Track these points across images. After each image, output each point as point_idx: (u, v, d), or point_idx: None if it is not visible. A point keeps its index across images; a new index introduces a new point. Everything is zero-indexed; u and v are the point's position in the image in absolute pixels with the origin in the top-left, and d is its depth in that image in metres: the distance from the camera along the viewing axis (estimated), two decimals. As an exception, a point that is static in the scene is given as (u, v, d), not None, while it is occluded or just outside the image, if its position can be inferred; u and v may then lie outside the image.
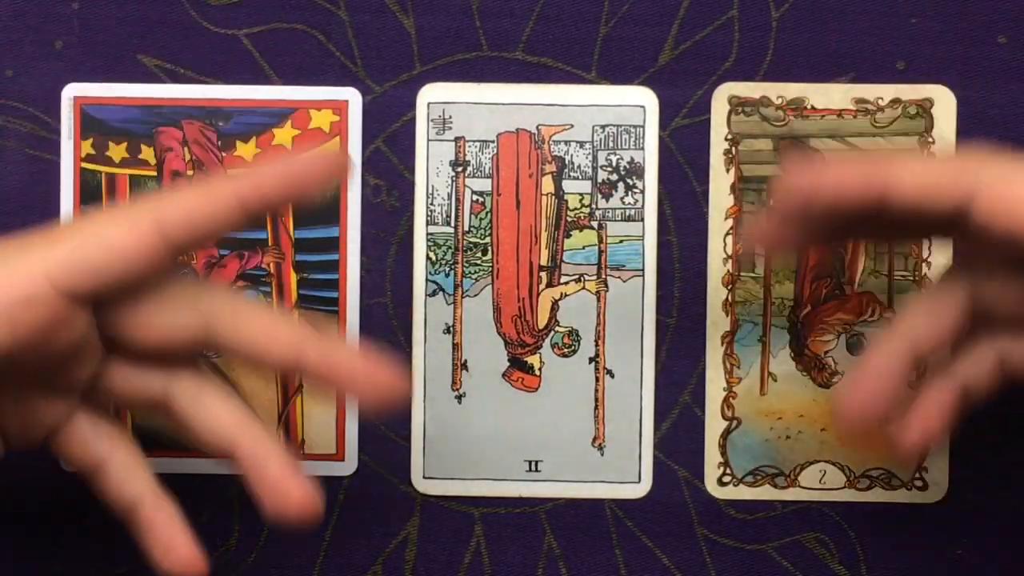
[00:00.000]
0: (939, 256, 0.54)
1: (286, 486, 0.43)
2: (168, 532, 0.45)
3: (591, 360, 0.54)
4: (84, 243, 0.41)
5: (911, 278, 0.54)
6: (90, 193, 0.54)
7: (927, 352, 0.45)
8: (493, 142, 0.54)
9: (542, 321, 0.54)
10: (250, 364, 0.44)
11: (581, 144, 0.54)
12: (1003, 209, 0.41)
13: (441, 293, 0.54)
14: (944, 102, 0.54)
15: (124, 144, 0.54)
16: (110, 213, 0.43)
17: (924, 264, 0.54)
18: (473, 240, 0.54)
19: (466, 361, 0.54)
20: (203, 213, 0.42)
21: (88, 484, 0.45)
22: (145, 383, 0.44)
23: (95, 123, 0.54)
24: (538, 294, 0.54)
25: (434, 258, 0.54)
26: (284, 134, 0.54)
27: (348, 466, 0.55)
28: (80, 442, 0.45)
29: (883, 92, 0.54)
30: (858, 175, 0.42)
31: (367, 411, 0.53)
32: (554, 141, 0.54)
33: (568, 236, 0.54)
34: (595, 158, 0.54)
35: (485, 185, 0.54)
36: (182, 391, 0.44)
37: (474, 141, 0.54)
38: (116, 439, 0.45)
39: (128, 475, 0.45)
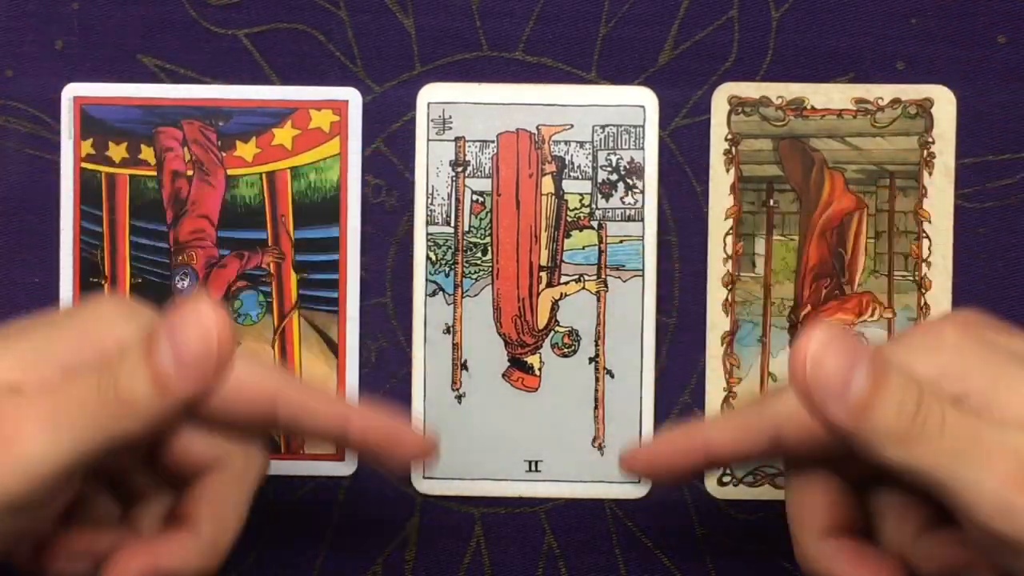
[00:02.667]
0: (938, 256, 0.54)
1: (402, 439, 0.44)
2: (384, 431, 0.44)
3: (591, 360, 0.54)
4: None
5: (911, 278, 0.54)
6: (90, 193, 0.54)
7: (720, 460, 0.45)
8: (493, 142, 0.54)
9: (542, 321, 0.54)
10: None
11: (581, 144, 0.54)
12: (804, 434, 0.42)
13: (441, 293, 0.54)
14: (944, 102, 0.54)
15: (124, 144, 0.54)
16: None
17: (924, 264, 0.54)
18: (473, 240, 0.54)
19: (466, 361, 0.54)
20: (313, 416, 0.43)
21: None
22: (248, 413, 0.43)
23: (95, 123, 0.54)
24: (538, 294, 0.54)
25: (434, 258, 0.54)
26: (284, 134, 0.54)
27: (348, 466, 0.55)
28: (203, 447, 0.44)
29: (883, 92, 0.54)
30: (677, 443, 0.44)
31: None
32: (554, 141, 0.54)
33: (568, 236, 0.54)
34: (595, 158, 0.54)
35: (485, 185, 0.54)
36: (282, 404, 0.43)
37: (474, 141, 0.54)
38: (252, 401, 0.43)
39: (317, 414, 0.44)
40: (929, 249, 0.54)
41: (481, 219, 0.54)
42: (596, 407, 0.54)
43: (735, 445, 0.43)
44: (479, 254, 0.54)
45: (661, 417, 0.54)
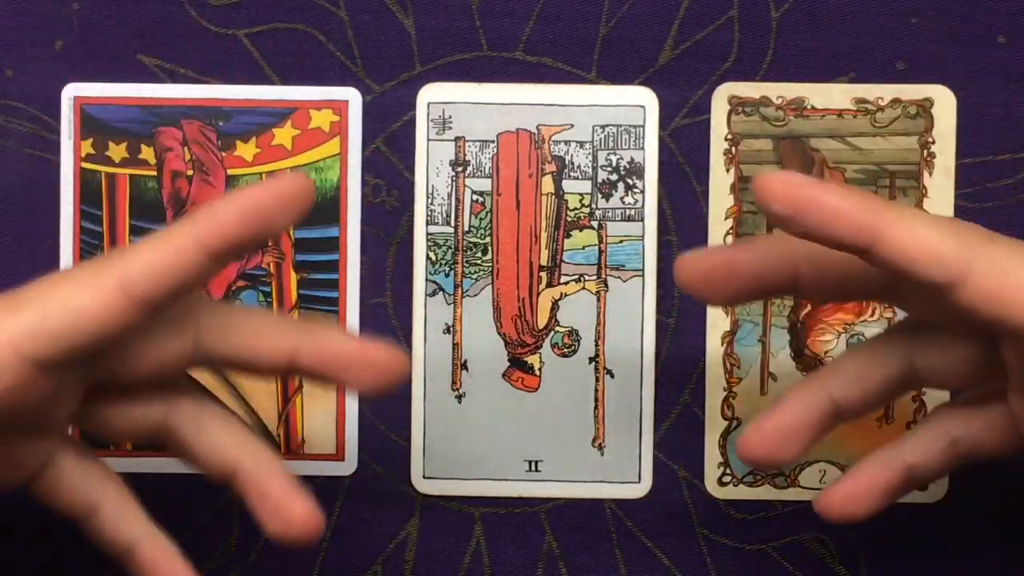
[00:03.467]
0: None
1: (288, 505, 0.43)
2: (169, 568, 0.44)
3: (591, 360, 0.54)
4: (48, 310, 0.40)
5: (911, 278, 0.54)
6: (90, 193, 0.54)
7: (848, 407, 0.44)
8: (493, 142, 0.54)
9: (542, 321, 0.54)
10: (246, 372, 0.44)
11: (581, 144, 0.54)
12: (995, 299, 0.39)
13: (441, 293, 0.54)
14: (944, 102, 0.54)
15: (124, 144, 0.54)
16: (75, 276, 0.41)
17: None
18: (473, 240, 0.54)
19: (466, 361, 0.54)
20: (167, 266, 0.40)
21: (82, 529, 0.45)
22: (144, 414, 0.44)
23: (95, 123, 0.54)
24: (538, 294, 0.54)
25: (434, 258, 0.54)
26: (284, 134, 0.54)
27: (348, 466, 0.55)
28: (68, 487, 0.44)
29: (883, 92, 0.54)
30: (858, 212, 0.39)
31: (368, 396, 0.51)
32: (554, 141, 0.54)
33: (568, 236, 0.54)
34: (595, 158, 0.54)
35: (485, 185, 0.54)
36: (182, 418, 0.44)
37: (474, 141, 0.54)
38: (106, 482, 0.45)
39: (122, 517, 0.44)
40: (929, 249, 0.54)
41: (481, 219, 0.54)
42: (596, 407, 0.54)
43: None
44: (479, 254, 0.54)
45: (661, 417, 0.54)
